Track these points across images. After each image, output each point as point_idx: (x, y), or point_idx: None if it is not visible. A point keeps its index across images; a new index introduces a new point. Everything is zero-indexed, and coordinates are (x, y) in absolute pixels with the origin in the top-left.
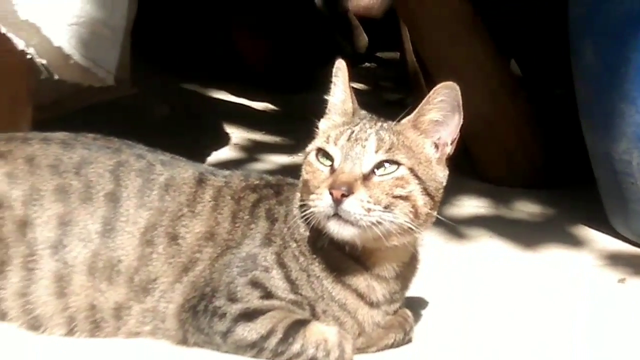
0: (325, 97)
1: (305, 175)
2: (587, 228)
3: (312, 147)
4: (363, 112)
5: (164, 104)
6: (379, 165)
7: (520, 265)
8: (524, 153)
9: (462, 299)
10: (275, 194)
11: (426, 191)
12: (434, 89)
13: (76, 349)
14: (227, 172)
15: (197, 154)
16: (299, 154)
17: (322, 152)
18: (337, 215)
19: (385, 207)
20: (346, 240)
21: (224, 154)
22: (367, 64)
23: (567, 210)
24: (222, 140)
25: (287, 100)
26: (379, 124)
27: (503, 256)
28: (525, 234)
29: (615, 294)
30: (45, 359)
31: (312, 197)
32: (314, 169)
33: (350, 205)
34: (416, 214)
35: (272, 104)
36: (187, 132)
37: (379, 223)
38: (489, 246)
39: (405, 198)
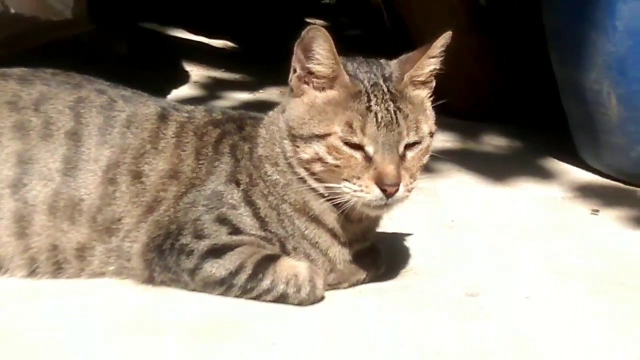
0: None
1: (331, 160)
2: (556, 161)
3: (323, 128)
4: (351, 66)
5: (122, 41)
6: (411, 144)
7: (491, 198)
8: (490, 85)
9: (434, 233)
10: (238, 129)
11: None
12: (436, 42)
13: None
14: (190, 107)
15: (157, 92)
16: (260, 91)
17: (349, 144)
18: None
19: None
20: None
21: (184, 91)
22: (327, 1)
23: (535, 143)
24: (182, 78)
25: (246, 37)
26: (390, 94)
27: (473, 189)
28: (494, 167)
29: (587, 225)
30: (5, 302)
31: (349, 185)
32: (346, 156)
33: (399, 194)
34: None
35: (230, 41)
36: (145, 71)
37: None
38: (458, 179)
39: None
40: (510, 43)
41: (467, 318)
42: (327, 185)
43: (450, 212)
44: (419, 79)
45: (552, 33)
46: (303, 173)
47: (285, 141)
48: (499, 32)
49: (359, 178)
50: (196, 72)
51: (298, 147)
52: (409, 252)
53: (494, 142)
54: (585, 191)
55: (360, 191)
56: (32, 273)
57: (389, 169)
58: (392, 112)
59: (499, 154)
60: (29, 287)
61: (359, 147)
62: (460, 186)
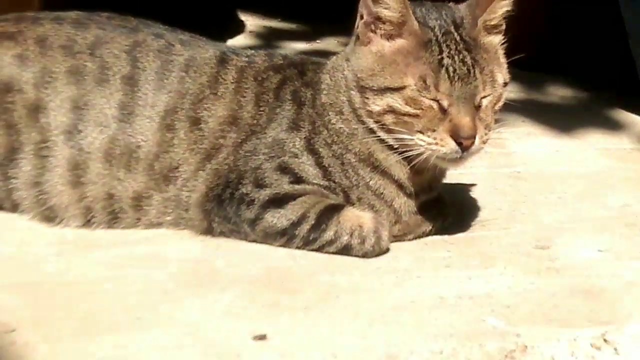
0: None
1: (410, 109)
2: (624, 112)
3: (396, 81)
4: (419, 12)
5: None
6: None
7: (557, 149)
8: (553, 34)
9: (501, 184)
10: (299, 75)
11: None
12: None
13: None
14: (250, 52)
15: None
16: (317, 41)
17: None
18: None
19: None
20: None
21: (240, 41)
22: None
23: (602, 94)
24: (237, 27)
25: None
26: (464, 42)
27: (539, 140)
28: (560, 118)
29: None
30: (60, 251)
31: (423, 138)
32: (423, 107)
33: (475, 147)
34: None
35: None
36: (199, 21)
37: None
38: (523, 130)
39: None
40: None
41: (537, 271)
42: (398, 137)
43: (517, 163)
44: (491, 23)
45: None
46: (372, 124)
47: (353, 92)
48: None
49: (434, 130)
50: (252, 21)
51: (367, 98)
52: (475, 204)
53: (559, 92)
54: None
55: (435, 144)
56: (88, 223)
57: (465, 121)
58: (469, 64)
59: (565, 104)
60: (83, 236)
61: (433, 100)
62: (526, 137)
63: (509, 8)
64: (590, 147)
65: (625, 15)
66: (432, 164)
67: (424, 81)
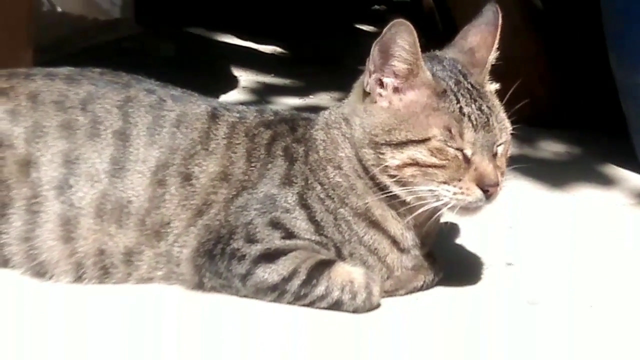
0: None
1: (434, 160)
2: (615, 167)
3: (420, 132)
4: (429, 64)
5: (170, 44)
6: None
7: (550, 204)
8: (546, 90)
9: (492, 239)
10: (290, 131)
11: None
12: (499, 19)
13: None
14: (241, 107)
15: (206, 96)
16: (310, 96)
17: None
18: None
19: None
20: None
21: (233, 96)
22: (376, 6)
23: (594, 149)
24: (231, 83)
25: (295, 43)
26: (476, 90)
27: (531, 195)
28: (552, 173)
29: None
30: (51, 307)
31: (449, 188)
32: (449, 157)
33: (497, 195)
34: None
35: (279, 47)
36: (194, 75)
37: None
38: (515, 185)
39: None
40: (566, 45)
41: (529, 327)
42: (416, 189)
43: (508, 218)
44: (488, 71)
45: (612, 34)
46: (386, 180)
47: (365, 149)
48: (554, 34)
49: (459, 180)
50: (245, 77)
51: (383, 153)
52: (466, 259)
53: (551, 147)
54: None
55: (461, 193)
56: (79, 278)
57: (490, 169)
58: (486, 112)
59: (557, 159)
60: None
61: (457, 149)
62: (518, 192)
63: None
64: (583, 202)
65: (615, 71)
66: (426, 219)
67: (449, 131)
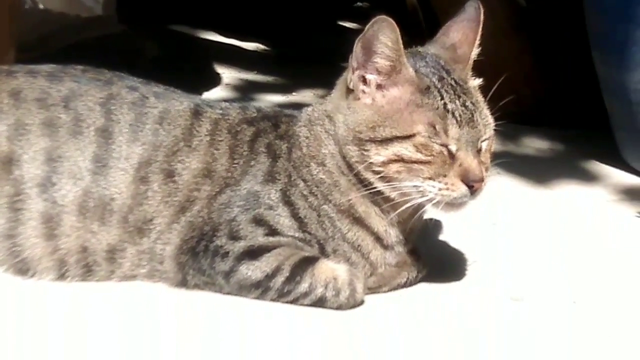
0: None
1: (419, 156)
2: (599, 163)
3: (405, 129)
4: (411, 60)
5: (154, 42)
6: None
7: (533, 201)
8: (529, 87)
9: (476, 235)
10: (273, 127)
11: None
12: (480, 16)
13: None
14: (224, 104)
15: (189, 93)
16: (293, 93)
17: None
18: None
19: None
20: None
21: (216, 94)
22: (359, 4)
23: (577, 146)
24: (214, 80)
25: (278, 40)
26: (459, 86)
27: (514, 192)
28: (536, 170)
29: (633, 228)
30: (34, 304)
31: (433, 184)
32: (434, 153)
33: (481, 190)
34: None
35: (262, 44)
36: (177, 73)
37: None
38: (498, 182)
39: None
40: (550, 44)
41: (512, 323)
42: (401, 185)
43: (492, 215)
44: (470, 68)
45: (596, 33)
46: (370, 176)
47: (349, 146)
48: (539, 33)
49: (444, 176)
50: (228, 74)
51: (367, 150)
52: (450, 256)
53: (534, 144)
54: (629, 194)
55: (446, 189)
56: (61, 276)
57: (474, 164)
58: (470, 107)
59: (541, 156)
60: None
61: (442, 145)
62: (501, 189)
63: None
64: (566, 199)
65: (599, 69)
66: (410, 216)
67: (434, 127)
